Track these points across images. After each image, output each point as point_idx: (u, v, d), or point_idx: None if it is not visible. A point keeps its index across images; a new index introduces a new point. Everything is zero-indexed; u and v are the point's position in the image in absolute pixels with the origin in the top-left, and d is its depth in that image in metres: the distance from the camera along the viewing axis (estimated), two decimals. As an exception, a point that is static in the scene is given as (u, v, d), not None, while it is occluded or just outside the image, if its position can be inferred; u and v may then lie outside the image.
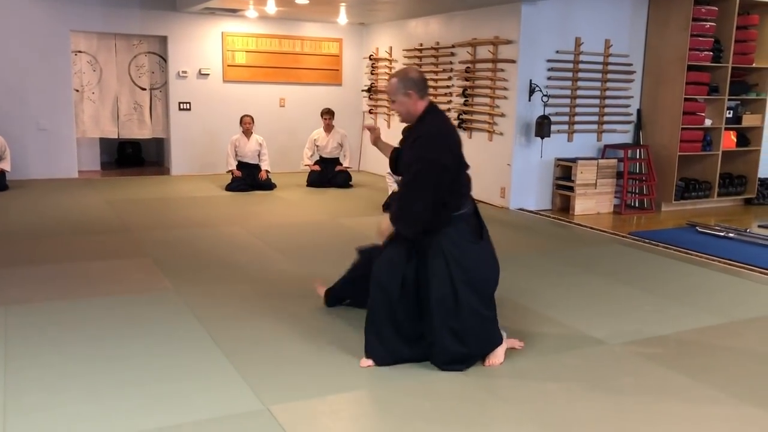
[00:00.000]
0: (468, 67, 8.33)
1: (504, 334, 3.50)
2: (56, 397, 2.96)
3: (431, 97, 9.14)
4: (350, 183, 9.26)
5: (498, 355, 3.42)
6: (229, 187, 8.70)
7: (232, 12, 9.51)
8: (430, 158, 3.26)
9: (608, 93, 8.15)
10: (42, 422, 2.74)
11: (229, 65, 9.98)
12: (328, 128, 9.28)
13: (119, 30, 9.41)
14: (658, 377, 3.34)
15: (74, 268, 4.97)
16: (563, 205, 7.90)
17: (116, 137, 9.97)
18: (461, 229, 3.36)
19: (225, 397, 3.00)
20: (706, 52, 7.90)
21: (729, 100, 8.25)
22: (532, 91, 7.59)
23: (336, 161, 9.37)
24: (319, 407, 2.95)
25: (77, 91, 9.43)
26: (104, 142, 10.51)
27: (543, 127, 7.53)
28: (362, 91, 10.80)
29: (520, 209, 7.81)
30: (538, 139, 7.66)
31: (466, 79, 8.36)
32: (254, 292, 4.54)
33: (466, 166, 3.51)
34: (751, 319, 4.28)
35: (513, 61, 7.60)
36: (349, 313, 4.13)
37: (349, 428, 2.84)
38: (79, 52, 9.39)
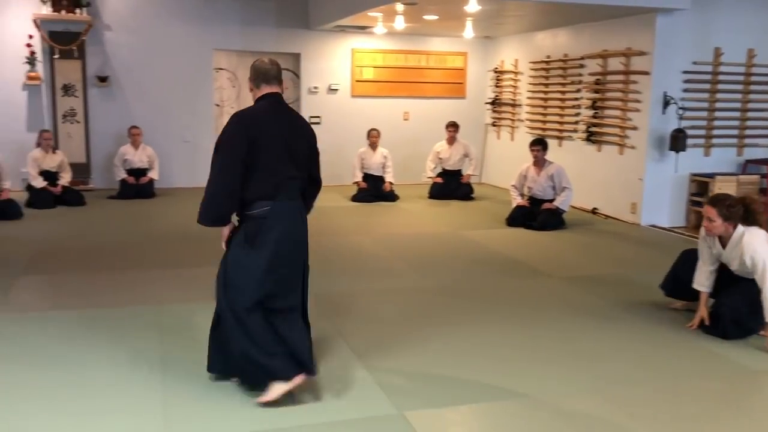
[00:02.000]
0: (598, 79, 8.15)
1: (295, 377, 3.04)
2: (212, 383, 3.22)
3: (559, 109, 8.94)
4: (472, 195, 9.28)
5: (270, 392, 3.00)
6: (355, 198, 8.98)
7: (362, 29, 9.83)
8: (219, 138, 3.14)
9: (750, 105, 7.70)
10: (200, 412, 2.99)
11: (357, 81, 10.32)
12: (451, 140, 9.36)
13: (257, 48, 9.96)
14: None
15: (207, 275, 5.31)
16: (699, 223, 7.49)
17: (251, 149, 10.53)
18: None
19: (359, 401, 3.13)
20: None
21: None
22: (666, 104, 7.31)
23: (458, 173, 9.42)
24: (451, 416, 3.01)
25: (217, 105, 10.07)
26: (239, 154, 11.13)
27: (678, 141, 7.23)
28: (485, 103, 10.81)
29: (652, 225, 7.52)
30: (672, 153, 7.36)
31: (596, 92, 8.18)
32: (383, 299, 4.68)
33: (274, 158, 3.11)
34: None
35: (647, 73, 7.36)
36: (461, 328, 4.17)
37: (480, 438, 2.88)
38: (220, 69, 10.04)
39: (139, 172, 8.96)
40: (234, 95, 10.18)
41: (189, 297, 4.63)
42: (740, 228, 3.97)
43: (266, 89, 3.27)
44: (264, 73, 3.26)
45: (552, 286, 5.15)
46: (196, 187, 9.75)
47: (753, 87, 7.66)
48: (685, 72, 7.38)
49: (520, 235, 6.99)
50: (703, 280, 4.18)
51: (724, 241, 4.06)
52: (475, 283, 5.19)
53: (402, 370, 3.47)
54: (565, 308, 4.58)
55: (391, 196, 9.03)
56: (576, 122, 8.56)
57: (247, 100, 10.15)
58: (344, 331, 4.03)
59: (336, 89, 10.27)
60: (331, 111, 10.29)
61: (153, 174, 9.05)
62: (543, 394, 3.23)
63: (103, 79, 9.26)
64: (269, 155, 3.05)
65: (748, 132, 7.75)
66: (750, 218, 4.01)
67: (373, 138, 9.06)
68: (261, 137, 3.03)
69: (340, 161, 10.20)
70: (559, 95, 8.96)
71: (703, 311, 4.13)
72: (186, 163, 9.77)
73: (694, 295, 4.27)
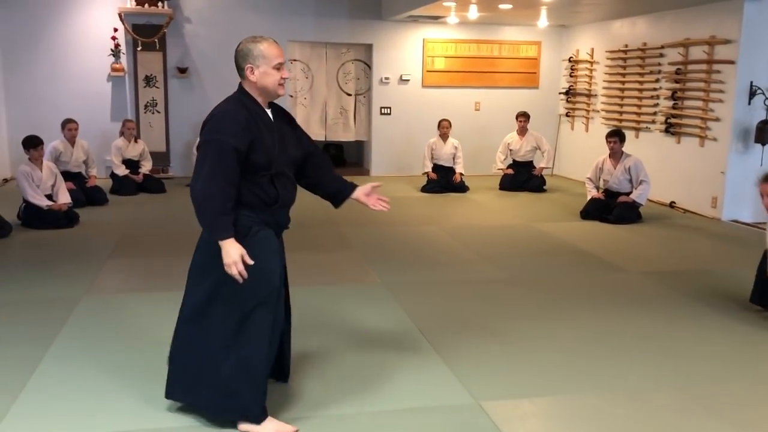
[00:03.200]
0: (678, 69, 7.88)
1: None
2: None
3: (637, 100, 8.66)
4: (544, 187, 9.16)
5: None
6: (425, 189, 8.99)
7: (434, 19, 9.81)
8: None
9: None
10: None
11: (428, 71, 10.31)
12: (522, 131, 9.25)
13: (330, 39, 10.10)
14: None
15: (290, 259, 5.45)
16: (785, 219, 7.21)
17: (323, 139, 10.69)
18: None
19: (436, 389, 3.17)
20: None
21: None
22: (753, 94, 7.02)
23: (530, 165, 9.30)
24: (528, 408, 3.02)
25: (291, 96, 10.25)
26: (311, 144, 11.29)
27: (765, 133, 6.93)
28: (559, 93, 10.61)
29: (734, 221, 7.25)
30: (758, 145, 7.06)
31: (676, 81, 7.92)
32: (457, 290, 4.70)
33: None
34: None
35: (732, 62, 7.08)
36: (543, 322, 4.15)
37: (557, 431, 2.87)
38: (294, 60, 10.21)
39: (216, 161, 9.22)
40: (307, 86, 10.34)
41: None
42: None
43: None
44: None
45: (628, 280, 5.05)
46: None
47: None
48: (774, 61, 7.07)
49: (595, 229, 6.87)
50: None
51: None
52: (549, 276, 5.14)
53: (479, 361, 3.49)
54: (641, 303, 4.49)
55: (462, 187, 9.00)
56: (654, 113, 8.31)
57: (321, 91, 10.32)
58: (419, 321, 4.07)
59: (407, 80, 10.28)
60: (402, 101, 10.32)
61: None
62: (621, 389, 3.19)
63: (182, 71, 9.57)
64: None
65: (841, 124, 7.35)
66: None
67: (443, 128, 9.04)
68: None
69: (410, 152, 10.24)
70: (636, 85, 8.71)
71: None
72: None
73: None
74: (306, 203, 8.16)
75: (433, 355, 3.54)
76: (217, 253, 2.60)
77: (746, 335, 3.93)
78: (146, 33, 9.25)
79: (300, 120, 10.41)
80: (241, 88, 2.75)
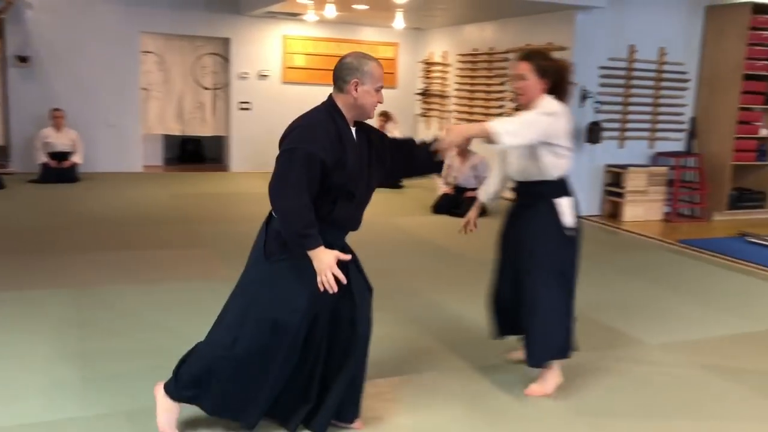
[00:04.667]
0: (521, 73, 8.43)
1: None
2: (127, 364, 3.27)
3: (484, 101, 9.24)
4: (401, 184, 9.46)
5: None
6: (285, 185, 9.00)
7: (293, 16, 9.85)
8: None
9: (661, 101, 8.15)
10: (119, 388, 3.05)
11: (288, 67, 10.34)
12: (382, 130, 9.50)
13: (185, 32, 9.86)
14: (692, 377, 3.45)
15: (141, 256, 5.32)
16: (612, 212, 7.94)
17: (180, 134, 10.43)
18: None
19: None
20: (763, 62, 7.83)
21: (787, 110, 8.15)
22: (584, 98, 7.67)
23: (388, 162, 9.58)
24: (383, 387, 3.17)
25: (144, 89, 9.90)
26: (167, 139, 10.97)
27: (594, 133, 7.60)
28: (416, 94, 11.01)
29: (569, 214, 7.87)
30: (588, 145, 7.73)
31: (519, 85, 8.47)
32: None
33: None
34: (795, 327, 4.32)
35: (566, 68, 7.68)
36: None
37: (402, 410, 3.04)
38: (148, 52, 9.87)
39: (61, 156, 8.74)
40: (161, 79, 10.03)
41: (103, 280, 4.64)
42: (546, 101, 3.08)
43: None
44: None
45: (468, 267, 5.37)
46: (120, 172, 9.59)
47: (664, 83, 8.11)
48: (602, 67, 7.75)
49: (444, 222, 7.22)
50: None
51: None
52: (398, 266, 5.37)
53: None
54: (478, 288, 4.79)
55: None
56: (500, 114, 8.84)
57: (176, 84, 10.04)
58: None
59: (267, 75, 10.25)
60: (262, 97, 10.27)
61: (76, 158, 8.85)
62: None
63: (23, 60, 8.97)
64: None
65: (659, 126, 8.20)
66: (560, 90, 3.13)
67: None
68: None
69: (271, 148, 10.12)
70: (484, 87, 9.23)
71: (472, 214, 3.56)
72: (111, 147, 9.58)
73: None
74: (158, 200, 7.98)
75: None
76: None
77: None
78: (-20, 18, 8.60)
79: (154, 114, 10.10)
80: (331, 100, 2.60)
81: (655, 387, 3.31)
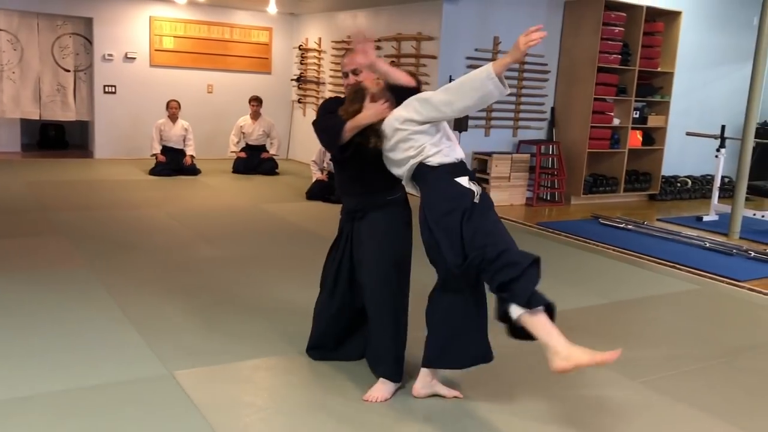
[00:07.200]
0: (393, 62, 8.58)
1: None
2: None
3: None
4: (276, 171, 9.39)
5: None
6: (153, 172, 8.71)
7: (161, -4, 9.48)
8: None
9: (524, 91, 8.55)
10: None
11: (156, 50, 9.94)
12: (255, 115, 9.38)
13: (42, 9, 9.25)
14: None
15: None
16: (480, 197, 8.24)
17: (38, 119, 9.79)
18: None
19: (131, 363, 3.16)
20: (615, 55, 8.40)
21: (636, 101, 8.77)
22: (451, 86, 7.90)
23: (262, 148, 9.47)
24: (220, 374, 3.14)
25: (-3, 70, 9.23)
26: (26, 124, 10.28)
27: (461, 122, 7.85)
28: (291, 80, 10.93)
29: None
30: (456, 132, 7.99)
31: (391, 73, 8.60)
32: (166, 270, 4.67)
33: None
34: (634, 299, 4.69)
35: (434, 57, 7.90)
36: (252, 289, 4.33)
37: (249, 392, 3.03)
38: (0, 30, 9.18)
39: None
40: (16, 59, 9.36)
41: None
42: None
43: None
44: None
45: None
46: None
47: (526, 75, 8.51)
48: (468, 57, 8.02)
49: (317, 208, 7.24)
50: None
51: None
52: (262, 252, 5.34)
53: (176, 333, 3.53)
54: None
55: (193, 170, 8.88)
56: (374, 101, 8.95)
57: (33, 65, 9.40)
58: (120, 299, 3.99)
59: (133, 58, 9.82)
60: (128, 81, 9.83)
61: None
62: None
63: None
64: None
65: (522, 116, 8.61)
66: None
67: (172, 109, 8.81)
68: None
69: (138, 133, 9.81)
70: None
71: None
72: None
73: None
74: (11, 188, 7.47)
75: (132, 333, 3.51)
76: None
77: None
78: None
79: (9, 96, 9.43)
80: None
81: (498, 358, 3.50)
